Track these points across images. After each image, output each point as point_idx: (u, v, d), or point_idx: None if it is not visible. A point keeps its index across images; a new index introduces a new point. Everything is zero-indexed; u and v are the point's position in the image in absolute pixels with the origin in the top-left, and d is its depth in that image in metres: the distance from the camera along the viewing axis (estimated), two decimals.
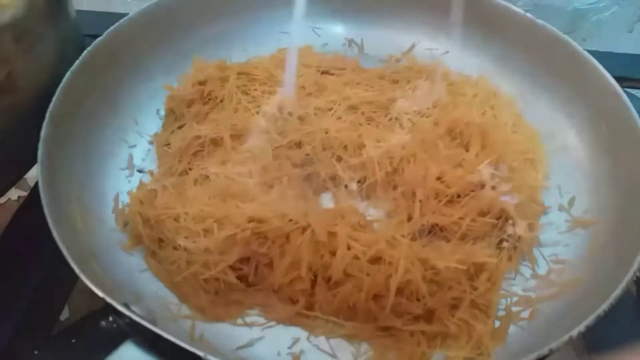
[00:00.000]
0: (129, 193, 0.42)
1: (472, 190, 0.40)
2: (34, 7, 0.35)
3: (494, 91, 0.50)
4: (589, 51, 0.46)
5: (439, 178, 0.40)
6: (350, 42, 0.56)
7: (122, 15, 0.46)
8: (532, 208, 0.42)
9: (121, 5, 0.57)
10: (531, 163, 0.45)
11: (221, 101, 0.46)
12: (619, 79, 0.45)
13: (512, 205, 0.40)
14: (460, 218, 0.39)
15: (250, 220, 0.37)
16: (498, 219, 0.40)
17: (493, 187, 0.40)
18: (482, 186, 0.40)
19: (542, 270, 0.40)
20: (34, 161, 0.37)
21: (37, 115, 0.38)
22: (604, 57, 0.46)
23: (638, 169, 0.40)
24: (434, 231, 0.40)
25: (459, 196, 0.40)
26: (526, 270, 0.40)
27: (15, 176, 0.40)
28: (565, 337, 0.30)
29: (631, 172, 0.41)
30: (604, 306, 0.31)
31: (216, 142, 0.43)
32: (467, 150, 0.42)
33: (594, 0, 0.67)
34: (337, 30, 0.56)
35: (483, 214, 0.39)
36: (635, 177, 0.40)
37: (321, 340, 0.37)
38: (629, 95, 0.53)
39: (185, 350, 0.29)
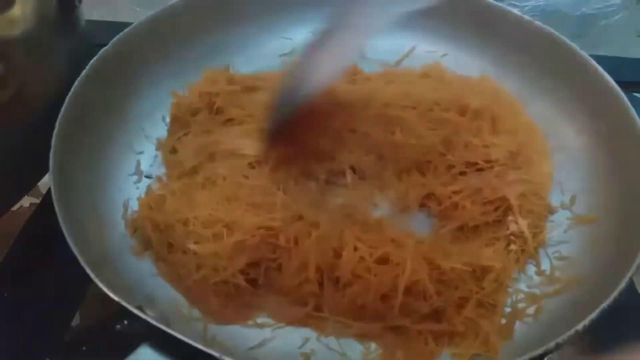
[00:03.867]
0: (138, 199, 0.43)
1: (479, 169, 0.41)
2: (44, 20, 0.35)
3: (497, 89, 0.50)
4: (595, 56, 0.47)
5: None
6: None
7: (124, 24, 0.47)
8: (535, 204, 0.42)
9: (131, 15, 0.58)
10: (540, 158, 0.45)
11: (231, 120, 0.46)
12: (628, 84, 0.45)
13: (514, 194, 0.40)
14: (454, 192, 0.40)
15: (260, 227, 0.38)
16: (497, 208, 0.41)
17: (499, 173, 0.41)
18: (492, 166, 0.41)
19: (545, 267, 0.41)
20: (46, 169, 0.38)
21: (49, 124, 0.38)
22: (612, 62, 0.47)
23: (637, 167, 0.40)
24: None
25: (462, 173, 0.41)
26: (530, 268, 0.41)
27: (29, 184, 0.41)
28: (572, 331, 0.31)
29: (631, 170, 0.41)
30: (608, 300, 0.31)
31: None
32: None
33: (602, 5, 0.67)
34: None
35: (481, 193, 0.40)
36: (635, 176, 0.40)
37: (331, 340, 0.37)
38: (635, 99, 0.54)
39: (199, 352, 0.30)
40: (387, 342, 0.37)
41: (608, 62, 0.46)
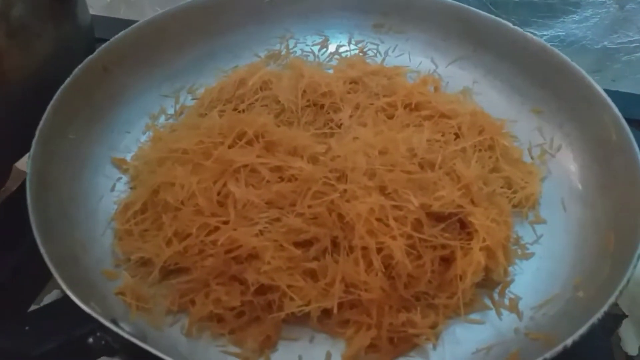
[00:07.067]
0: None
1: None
2: (35, 8, 0.36)
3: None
4: (610, 91, 0.45)
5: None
6: None
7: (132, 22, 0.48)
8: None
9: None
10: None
11: None
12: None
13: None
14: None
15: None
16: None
17: None
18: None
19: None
20: (23, 151, 0.38)
21: (31, 108, 0.38)
22: (628, 99, 0.45)
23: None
24: None
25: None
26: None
27: (3, 166, 0.41)
28: (559, 347, 0.30)
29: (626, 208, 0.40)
30: (597, 316, 0.31)
31: None
32: None
33: (625, 40, 0.65)
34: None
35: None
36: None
37: None
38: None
39: None
40: None
41: (621, 98, 0.44)
